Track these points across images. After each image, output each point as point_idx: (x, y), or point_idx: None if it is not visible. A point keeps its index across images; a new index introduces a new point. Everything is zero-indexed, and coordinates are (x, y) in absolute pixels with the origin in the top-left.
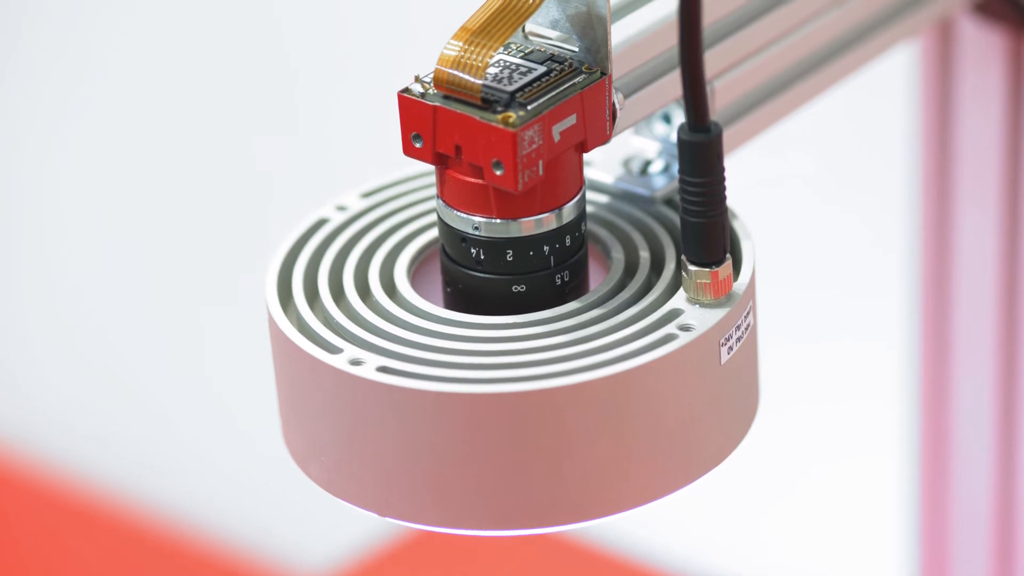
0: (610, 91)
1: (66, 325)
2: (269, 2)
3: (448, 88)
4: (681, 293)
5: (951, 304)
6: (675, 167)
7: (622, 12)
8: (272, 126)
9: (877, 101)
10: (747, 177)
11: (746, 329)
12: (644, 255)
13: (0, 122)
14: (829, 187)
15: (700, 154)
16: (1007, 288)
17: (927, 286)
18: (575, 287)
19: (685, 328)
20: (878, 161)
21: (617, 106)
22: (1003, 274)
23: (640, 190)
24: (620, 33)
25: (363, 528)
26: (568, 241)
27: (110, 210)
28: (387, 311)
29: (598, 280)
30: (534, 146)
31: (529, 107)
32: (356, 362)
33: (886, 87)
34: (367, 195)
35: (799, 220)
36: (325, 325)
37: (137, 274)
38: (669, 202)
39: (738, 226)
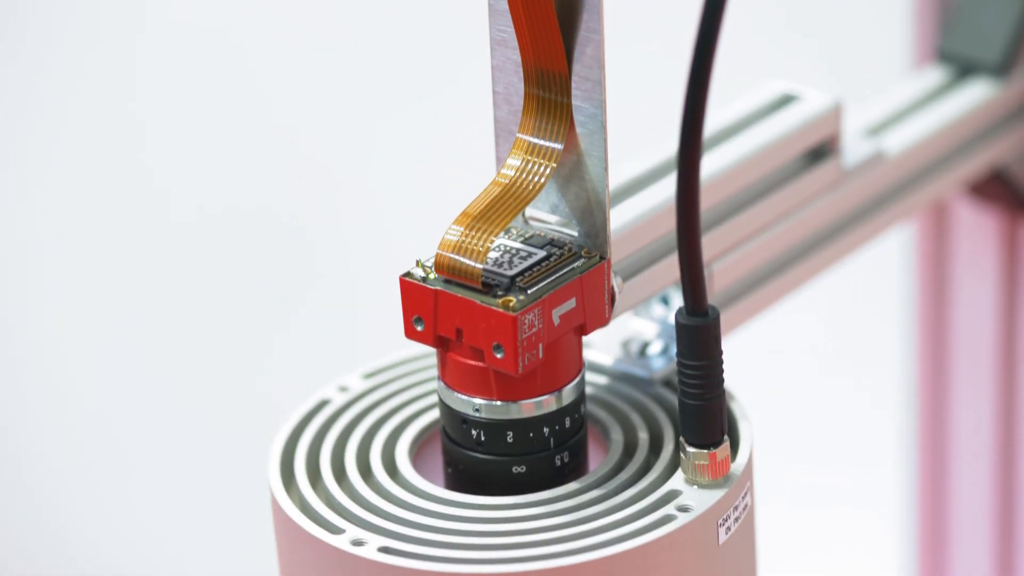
0: (609, 275)
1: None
2: (273, 185)
3: (449, 272)
4: (679, 474)
5: (947, 476)
6: (673, 348)
7: (621, 196)
8: (275, 312)
9: (874, 281)
10: (746, 350)
11: (744, 509)
12: (643, 436)
13: None
14: (826, 363)
15: (698, 338)
16: (1003, 459)
17: (924, 458)
18: (574, 468)
19: (683, 509)
20: (875, 340)
21: (616, 290)
22: (998, 447)
23: (639, 371)
24: (619, 217)
25: None
26: (568, 422)
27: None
28: (389, 492)
29: (597, 460)
30: (534, 330)
31: (529, 291)
32: (358, 542)
33: (883, 268)
34: (369, 376)
35: (796, 393)
36: (327, 505)
37: (141, 437)
38: (668, 383)
39: (736, 407)
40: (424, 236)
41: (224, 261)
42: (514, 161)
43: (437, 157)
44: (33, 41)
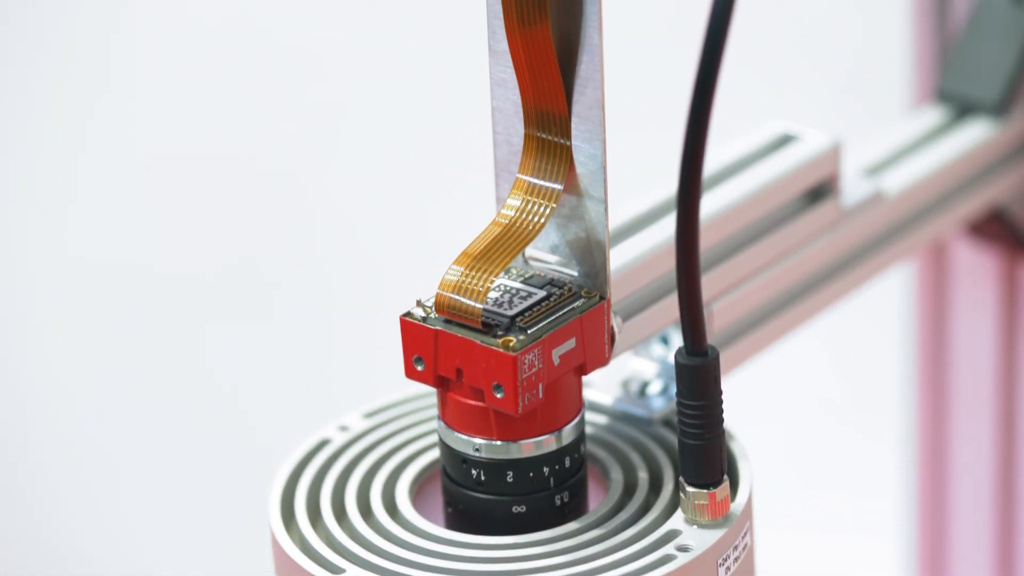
0: (609, 315)
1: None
2: (272, 222)
3: (449, 312)
4: (679, 513)
5: (948, 511)
6: (673, 388)
7: (620, 237)
8: (275, 346)
9: (874, 320)
10: (746, 388)
11: (743, 549)
12: (642, 475)
13: None
14: (827, 401)
15: (697, 378)
16: (1003, 495)
17: (924, 493)
18: (574, 507)
19: (683, 549)
20: (875, 378)
21: (616, 329)
22: (998, 483)
23: (638, 411)
24: (619, 257)
25: None
26: (567, 462)
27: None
28: (389, 531)
29: (597, 500)
30: (534, 369)
31: (529, 331)
32: None
33: (883, 306)
34: (369, 415)
35: (797, 432)
36: (327, 545)
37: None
38: (667, 423)
39: (735, 447)
40: (424, 276)
41: (225, 293)
42: (514, 201)
43: (438, 197)
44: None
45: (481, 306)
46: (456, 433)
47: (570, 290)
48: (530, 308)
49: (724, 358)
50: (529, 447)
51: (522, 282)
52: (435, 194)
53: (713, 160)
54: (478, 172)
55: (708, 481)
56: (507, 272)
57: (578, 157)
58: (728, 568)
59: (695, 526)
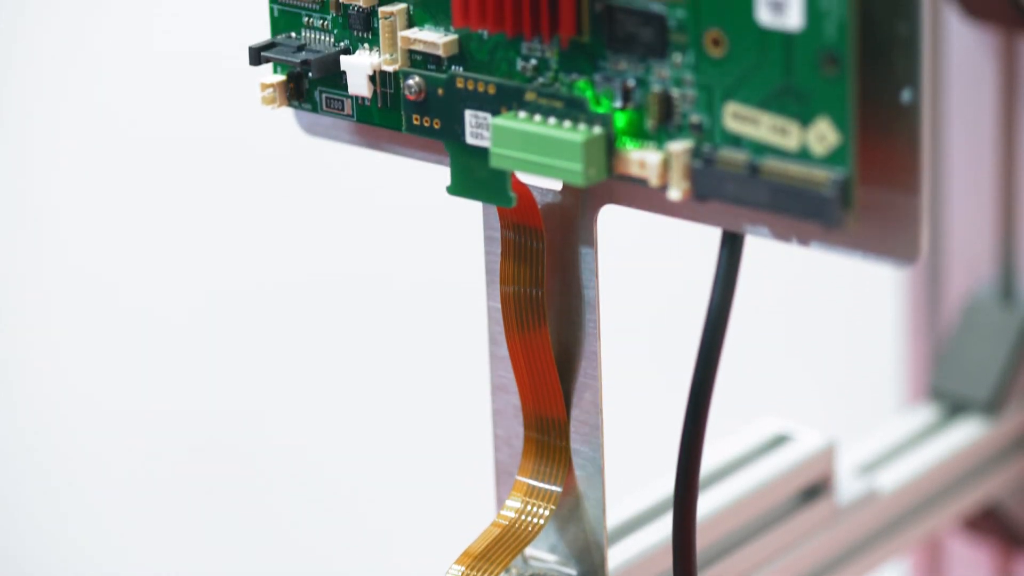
0: None
1: None
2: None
3: None
4: None
5: None
6: None
7: (618, 535)
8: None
9: None
10: None
11: None
12: None
13: None
14: None
15: None
16: None
17: None
18: None
19: None
20: None
21: None
22: None
23: None
24: (617, 556)
25: None
26: None
27: None
28: None
29: None
30: None
31: None
32: None
33: None
34: None
35: None
36: None
37: None
38: None
39: None
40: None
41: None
42: (514, 503)
43: (439, 497)
44: None
45: None
46: None
47: None
48: None
49: None
50: None
51: None
52: (436, 495)
53: (709, 459)
54: (478, 473)
55: None
56: (507, 572)
57: (577, 460)
58: None
59: None
